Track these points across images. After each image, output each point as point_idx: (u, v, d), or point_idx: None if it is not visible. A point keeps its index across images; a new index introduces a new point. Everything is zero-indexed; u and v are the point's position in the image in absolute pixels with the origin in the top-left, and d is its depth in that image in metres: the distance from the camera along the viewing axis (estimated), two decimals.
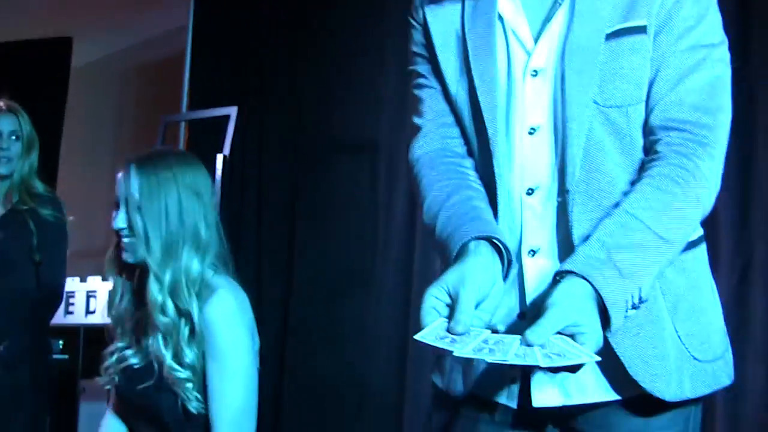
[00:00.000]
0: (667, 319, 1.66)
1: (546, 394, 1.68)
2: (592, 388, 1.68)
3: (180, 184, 2.43)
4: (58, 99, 6.86)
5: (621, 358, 1.62)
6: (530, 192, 1.69)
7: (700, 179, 1.60)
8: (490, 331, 1.51)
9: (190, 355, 2.38)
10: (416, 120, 1.83)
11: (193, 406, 2.39)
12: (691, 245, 1.70)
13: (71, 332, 5.64)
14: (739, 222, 3.47)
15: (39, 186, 3.79)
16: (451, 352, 1.42)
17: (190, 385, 2.39)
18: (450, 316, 1.50)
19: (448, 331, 1.47)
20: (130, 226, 2.42)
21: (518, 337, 1.45)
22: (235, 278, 2.52)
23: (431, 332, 1.47)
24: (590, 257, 1.52)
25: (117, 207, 2.45)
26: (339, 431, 4.76)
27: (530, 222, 1.69)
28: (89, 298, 5.68)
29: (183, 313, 2.39)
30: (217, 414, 2.39)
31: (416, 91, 1.84)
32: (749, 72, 3.44)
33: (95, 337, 5.57)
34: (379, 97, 4.82)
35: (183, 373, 2.38)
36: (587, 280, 1.49)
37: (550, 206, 1.68)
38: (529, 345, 1.43)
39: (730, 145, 1.70)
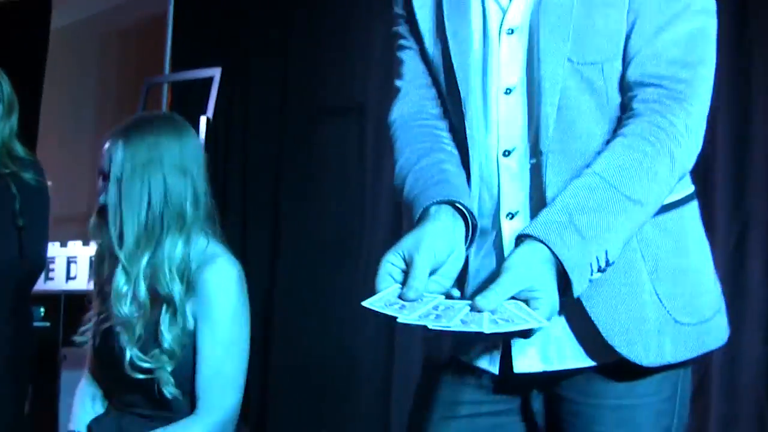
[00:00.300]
0: (647, 281, 1.67)
1: (526, 360, 1.70)
2: (571, 353, 1.69)
3: (166, 165, 2.42)
4: (37, 62, 6.77)
5: (596, 323, 1.63)
6: (506, 153, 1.70)
7: (675, 137, 1.59)
8: (443, 297, 1.52)
9: (168, 338, 2.41)
10: (396, 82, 1.85)
11: (169, 391, 2.40)
12: (677, 204, 1.71)
13: (52, 299, 5.59)
14: (736, 184, 3.47)
15: (20, 149, 3.72)
16: (395, 318, 1.43)
17: (167, 368, 2.40)
18: (404, 283, 1.50)
19: (400, 297, 1.48)
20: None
21: (469, 302, 1.46)
22: (223, 243, 2.52)
23: (381, 298, 1.47)
24: (550, 220, 1.52)
25: (103, 178, 2.46)
26: (328, 401, 4.77)
27: (507, 185, 1.70)
28: (70, 264, 5.65)
29: (163, 298, 2.41)
30: (204, 380, 2.40)
31: (398, 53, 1.86)
32: (746, 22, 3.44)
33: (76, 304, 5.55)
34: (367, 59, 4.82)
35: (149, 363, 2.40)
36: (545, 244, 1.50)
37: (527, 168, 1.69)
38: (478, 311, 1.43)
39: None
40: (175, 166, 2.42)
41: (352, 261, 4.76)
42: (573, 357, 1.69)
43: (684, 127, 1.58)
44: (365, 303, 1.46)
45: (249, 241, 5.20)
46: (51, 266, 5.65)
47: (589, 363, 1.69)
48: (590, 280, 1.53)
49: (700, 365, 3.38)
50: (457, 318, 1.42)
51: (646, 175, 1.56)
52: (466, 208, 1.62)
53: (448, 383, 1.81)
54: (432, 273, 1.54)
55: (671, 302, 1.68)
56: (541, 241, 1.50)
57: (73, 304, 5.53)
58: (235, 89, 5.36)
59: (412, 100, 1.82)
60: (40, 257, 3.75)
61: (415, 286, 1.48)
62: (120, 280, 2.40)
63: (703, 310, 1.73)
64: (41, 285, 5.30)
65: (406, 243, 1.54)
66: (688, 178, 1.74)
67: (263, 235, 5.16)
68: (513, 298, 1.46)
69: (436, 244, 1.54)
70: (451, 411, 1.79)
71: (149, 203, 2.38)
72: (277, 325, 5.00)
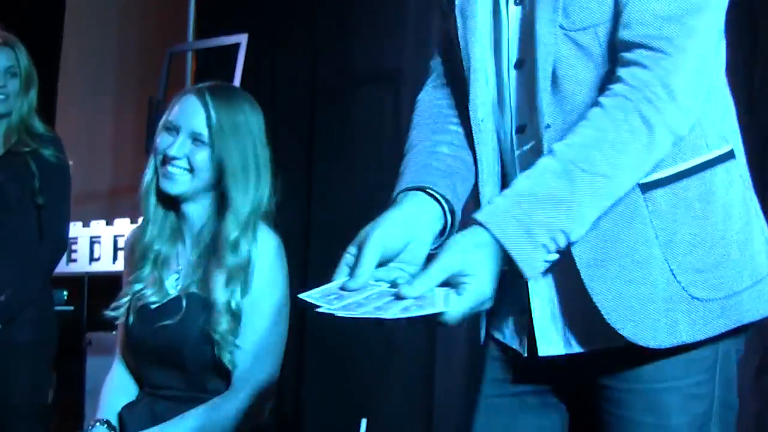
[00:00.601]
0: (659, 256, 1.63)
1: (549, 343, 1.70)
2: (590, 336, 1.68)
3: (254, 132, 2.54)
4: (54, 32, 6.74)
5: (597, 305, 1.61)
6: (520, 130, 1.70)
7: (651, 101, 1.54)
8: (387, 286, 1.52)
9: (238, 299, 2.45)
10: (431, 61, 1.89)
11: (227, 359, 2.43)
12: (700, 168, 1.65)
13: (75, 281, 5.58)
14: None
15: (39, 126, 3.75)
16: (319, 307, 1.44)
17: (233, 334, 2.43)
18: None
19: (343, 287, 1.49)
20: (188, 157, 2.48)
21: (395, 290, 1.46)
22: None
23: (323, 289, 1.49)
24: (497, 204, 1.53)
25: (169, 132, 2.51)
26: (366, 382, 4.71)
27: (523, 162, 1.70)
28: (93, 244, 5.64)
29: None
30: (242, 352, 2.44)
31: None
32: None
33: (101, 286, 5.54)
34: (402, 22, 4.74)
35: (231, 321, 2.43)
36: (485, 228, 1.50)
37: (537, 145, 1.67)
38: (403, 298, 1.43)
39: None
40: (259, 135, 2.55)
41: None
42: (596, 339, 1.67)
43: (663, 88, 1.53)
44: (301, 295, 1.48)
45: (280, 213, 5.11)
46: (73, 247, 5.60)
47: (607, 345, 1.65)
48: (548, 261, 1.53)
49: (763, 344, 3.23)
50: (372, 306, 1.43)
51: (612, 147, 1.53)
52: (439, 193, 1.64)
53: (489, 360, 1.83)
54: (387, 261, 1.56)
55: (687, 276, 1.63)
56: (482, 225, 1.50)
57: (97, 286, 5.53)
58: (262, 56, 5.29)
59: (435, 78, 1.86)
60: (62, 237, 3.75)
61: (357, 274, 1.51)
62: (231, 225, 2.46)
63: (729, 283, 1.65)
64: (63, 267, 5.30)
65: (362, 233, 1.57)
66: (718, 137, 1.69)
67: (295, 207, 5.06)
68: (447, 284, 1.47)
69: (388, 232, 1.56)
70: (498, 389, 1.81)
71: (243, 166, 2.50)
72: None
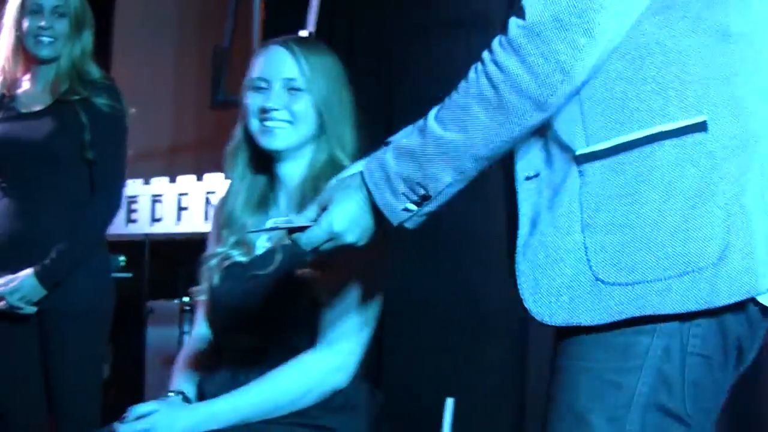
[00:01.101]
0: (577, 231, 1.68)
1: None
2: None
3: (346, 85, 2.59)
4: None
5: (516, 274, 1.73)
6: None
7: (490, 60, 1.64)
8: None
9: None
10: None
11: (322, 319, 2.45)
12: (645, 141, 1.65)
13: (134, 245, 5.53)
14: None
15: (94, 71, 3.65)
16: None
17: (328, 284, 2.45)
18: None
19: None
20: (287, 108, 2.51)
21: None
22: None
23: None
24: (378, 151, 1.79)
25: (259, 90, 2.54)
26: (454, 354, 4.58)
27: None
28: (155, 204, 5.56)
29: None
30: (331, 312, 2.44)
31: None
32: None
33: (163, 250, 5.46)
34: None
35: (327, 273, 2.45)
36: (360, 171, 1.78)
37: None
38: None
39: None
40: (346, 81, 2.59)
41: (470, 193, 4.48)
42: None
43: (499, 43, 1.63)
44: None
45: None
46: (132, 207, 5.57)
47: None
48: (411, 211, 1.74)
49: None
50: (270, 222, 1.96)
51: (459, 107, 1.67)
52: None
53: None
54: None
55: (598, 256, 1.66)
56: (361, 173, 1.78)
57: (158, 250, 5.51)
58: (338, 2, 5.11)
59: None
60: (116, 194, 3.66)
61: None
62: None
63: (642, 268, 1.64)
64: (122, 228, 5.22)
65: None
66: (685, 106, 1.65)
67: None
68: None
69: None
70: None
71: (341, 113, 2.55)
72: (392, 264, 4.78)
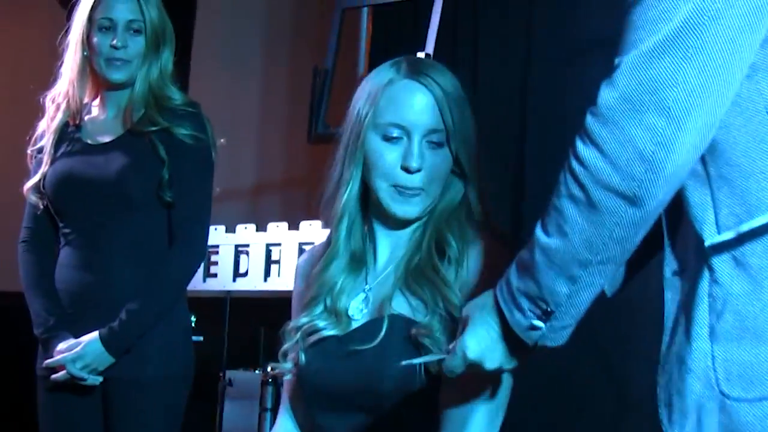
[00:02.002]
0: (705, 336, 1.71)
1: None
2: None
3: (468, 102, 2.53)
4: None
5: (656, 384, 1.80)
6: None
7: (574, 145, 1.70)
8: None
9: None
10: None
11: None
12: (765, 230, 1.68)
13: (211, 304, 5.53)
14: None
15: (176, 96, 3.63)
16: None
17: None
18: None
19: None
20: (427, 168, 2.49)
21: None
22: None
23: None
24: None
25: (393, 140, 2.50)
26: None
27: None
28: (239, 255, 5.53)
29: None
30: None
31: None
32: None
33: (246, 311, 5.45)
34: None
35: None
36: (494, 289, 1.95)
37: None
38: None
39: None
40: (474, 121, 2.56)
41: None
42: None
43: (578, 135, 1.69)
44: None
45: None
46: (213, 258, 5.53)
47: None
48: (537, 328, 1.85)
49: None
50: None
51: (554, 208, 1.77)
52: None
53: None
54: None
55: (722, 367, 1.69)
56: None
57: (240, 310, 5.49)
58: (460, 20, 5.19)
59: None
60: (199, 244, 3.65)
61: None
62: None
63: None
64: (198, 284, 5.19)
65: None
66: None
67: (505, 207, 4.93)
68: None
69: None
70: None
71: (471, 167, 2.53)
72: None
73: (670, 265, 1.82)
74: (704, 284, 1.71)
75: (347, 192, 2.54)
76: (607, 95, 1.64)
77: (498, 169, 5.06)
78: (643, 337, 4.44)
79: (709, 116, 1.62)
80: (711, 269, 1.71)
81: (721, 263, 1.70)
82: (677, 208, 1.77)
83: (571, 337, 4.65)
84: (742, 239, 1.68)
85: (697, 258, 1.73)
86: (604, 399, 4.63)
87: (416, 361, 2.14)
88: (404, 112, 2.47)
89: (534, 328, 1.84)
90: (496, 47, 5.15)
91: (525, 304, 1.83)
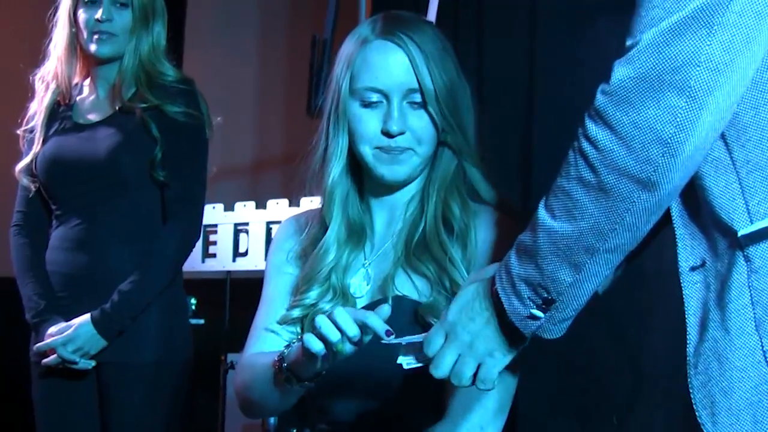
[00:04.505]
0: (751, 330, 1.68)
1: None
2: None
3: (452, 51, 2.53)
4: None
5: (690, 387, 1.75)
6: None
7: (580, 133, 1.69)
8: None
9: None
10: None
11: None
12: None
13: (211, 285, 5.53)
14: None
15: (168, 71, 3.64)
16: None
17: None
18: None
19: None
20: (411, 130, 2.48)
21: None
22: None
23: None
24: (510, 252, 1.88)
25: (372, 105, 2.48)
26: (603, 416, 4.60)
27: None
28: (238, 234, 5.50)
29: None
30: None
31: None
32: None
33: (247, 292, 5.43)
34: None
35: None
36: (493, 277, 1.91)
37: None
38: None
39: None
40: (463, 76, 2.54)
41: None
42: None
43: (588, 114, 1.67)
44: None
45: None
46: (211, 238, 5.50)
47: None
48: (536, 318, 1.82)
49: None
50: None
51: (563, 192, 1.73)
52: None
53: None
54: None
55: None
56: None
57: (241, 291, 5.44)
58: None
59: None
60: (193, 223, 3.66)
61: None
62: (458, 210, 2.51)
63: None
64: (196, 265, 5.18)
65: None
66: None
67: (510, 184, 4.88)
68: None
69: None
70: None
71: (462, 126, 2.51)
72: None
73: (686, 259, 1.78)
74: (741, 276, 1.68)
75: (334, 165, 2.52)
76: (622, 73, 1.62)
77: (504, 148, 5.02)
78: (658, 310, 4.41)
79: (731, 95, 1.60)
80: (749, 260, 1.67)
81: (760, 253, 1.67)
82: (690, 200, 1.76)
83: (583, 309, 4.67)
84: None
85: (726, 250, 1.70)
86: (618, 373, 4.57)
87: (395, 340, 2.06)
88: (379, 75, 2.46)
89: (533, 317, 1.81)
90: (500, 13, 5.07)
91: (525, 291, 1.81)
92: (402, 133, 2.44)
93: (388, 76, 2.45)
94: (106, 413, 3.50)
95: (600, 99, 1.63)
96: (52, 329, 3.42)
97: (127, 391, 3.49)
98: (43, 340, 3.43)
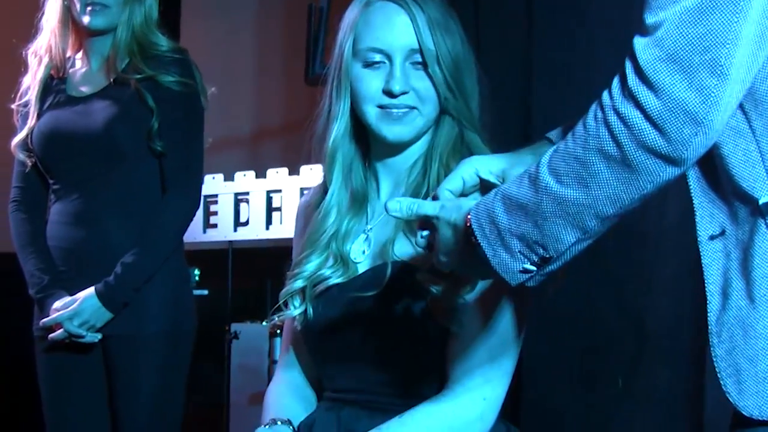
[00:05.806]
0: None
1: None
2: None
3: (457, 20, 2.52)
4: None
5: (713, 356, 1.73)
6: None
7: (603, 109, 1.67)
8: None
9: None
10: None
11: (451, 351, 2.42)
12: None
13: (213, 256, 5.53)
14: None
15: (161, 42, 3.63)
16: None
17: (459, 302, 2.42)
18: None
19: None
20: (414, 89, 2.48)
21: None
22: None
23: None
24: (489, 194, 1.85)
25: (374, 65, 2.49)
26: (606, 378, 4.55)
27: None
28: (239, 204, 5.51)
29: None
30: (465, 354, 2.41)
31: None
32: None
33: (249, 262, 5.44)
34: None
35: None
36: (470, 218, 1.84)
37: None
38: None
39: None
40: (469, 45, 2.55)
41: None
42: None
43: (620, 88, 1.65)
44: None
45: None
46: (212, 208, 5.52)
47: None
48: (529, 272, 1.78)
49: None
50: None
51: (578, 162, 1.69)
52: None
53: None
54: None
55: None
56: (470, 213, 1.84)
57: (243, 261, 5.47)
58: None
59: None
60: (192, 193, 3.65)
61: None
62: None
63: None
64: (198, 235, 5.19)
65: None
66: None
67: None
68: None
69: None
70: None
71: (462, 88, 2.51)
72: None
73: (705, 228, 1.76)
74: (764, 244, 1.68)
75: (336, 128, 2.53)
76: (650, 55, 1.60)
77: (504, 115, 5.04)
78: (660, 270, 4.37)
79: (753, 64, 1.60)
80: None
81: None
82: (708, 168, 1.75)
83: (586, 270, 4.67)
84: None
85: (747, 217, 1.69)
86: (621, 333, 4.54)
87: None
88: (382, 35, 2.46)
89: (525, 271, 1.78)
90: None
91: (516, 246, 1.76)
92: (405, 93, 2.45)
93: (391, 36, 2.45)
94: (112, 385, 3.52)
95: (631, 78, 1.62)
96: (57, 304, 3.43)
97: (134, 363, 3.49)
98: (48, 315, 3.43)
